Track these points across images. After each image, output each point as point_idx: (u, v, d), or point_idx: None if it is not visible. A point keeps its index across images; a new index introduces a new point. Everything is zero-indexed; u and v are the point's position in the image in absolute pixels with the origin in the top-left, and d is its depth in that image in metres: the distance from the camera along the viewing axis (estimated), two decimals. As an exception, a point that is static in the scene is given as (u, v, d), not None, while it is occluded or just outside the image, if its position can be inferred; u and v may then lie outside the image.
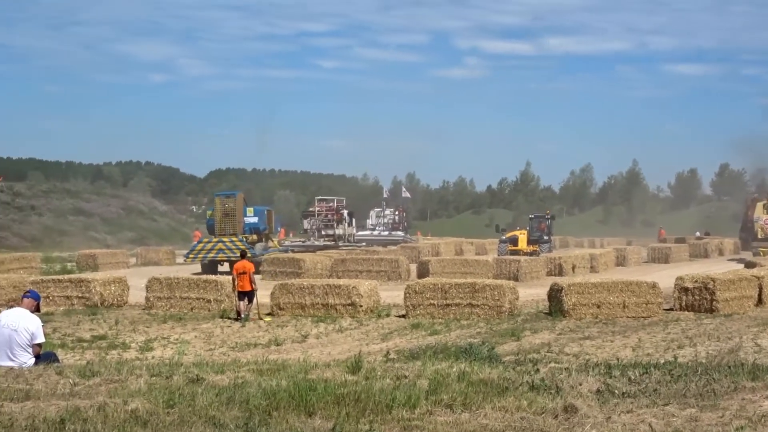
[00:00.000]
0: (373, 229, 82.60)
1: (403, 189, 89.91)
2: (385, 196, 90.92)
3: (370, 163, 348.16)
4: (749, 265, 42.55)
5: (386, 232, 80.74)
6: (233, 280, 29.50)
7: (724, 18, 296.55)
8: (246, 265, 29.61)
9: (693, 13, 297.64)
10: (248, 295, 29.13)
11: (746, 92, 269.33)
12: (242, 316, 28.53)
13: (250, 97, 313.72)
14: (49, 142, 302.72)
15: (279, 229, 72.34)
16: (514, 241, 60.71)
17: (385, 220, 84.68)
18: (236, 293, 29.32)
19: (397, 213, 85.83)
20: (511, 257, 50.12)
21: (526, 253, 56.44)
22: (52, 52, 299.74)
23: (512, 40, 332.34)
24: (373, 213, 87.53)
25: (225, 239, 50.62)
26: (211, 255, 50.80)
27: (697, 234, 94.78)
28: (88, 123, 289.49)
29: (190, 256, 51.84)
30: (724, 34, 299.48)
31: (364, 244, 71.03)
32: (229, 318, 28.90)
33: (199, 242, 52.52)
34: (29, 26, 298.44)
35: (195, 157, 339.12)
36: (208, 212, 56.93)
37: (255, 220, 54.17)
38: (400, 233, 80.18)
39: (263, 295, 31.23)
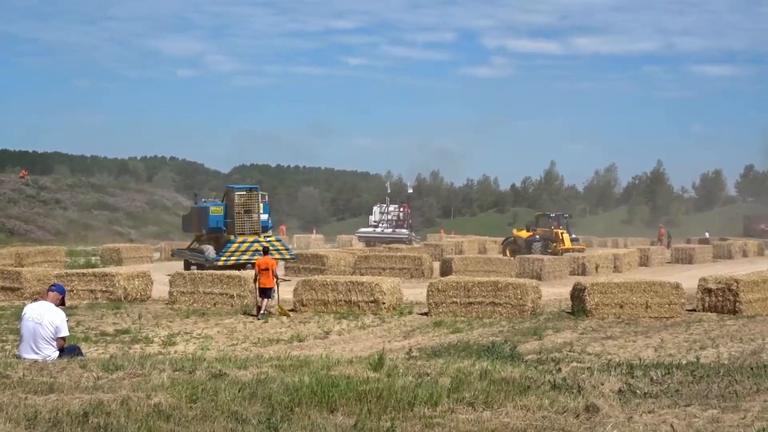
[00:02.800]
0: (376, 226, 79.83)
1: (408, 184, 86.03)
2: (388, 190, 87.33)
3: (394, 161, 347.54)
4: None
5: (390, 230, 78.17)
6: (255, 276, 29.45)
7: (754, 19, 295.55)
8: (269, 261, 29.60)
9: (722, 14, 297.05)
10: (269, 291, 29.09)
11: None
12: (262, 312, 28.50)
13: (277, 93, 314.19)
14: (74, 136, 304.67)
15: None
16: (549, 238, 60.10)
17: (389, 217, 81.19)
18: (257, 290, 29.27)
19: (401, 209, 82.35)
20: (535, 256, 49.90)
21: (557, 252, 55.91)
22: (82, 47, 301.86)
23: (540, 40, 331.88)
24: (376, 209, 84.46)
25: (261, 239, 45.38)
26: (246, 257, 44.57)
27: (706, 235, 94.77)
28: (115, 117, 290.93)
29: (222, 258, 44.39)
30: (753, 35, 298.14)
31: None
32: (251, 314, 28.92)
33: (231, 242, 45.06)
34: (61, 21, 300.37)
35: (219, 153, 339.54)
36: (214, 208, 47.60)
37: (266, 217, 47.76)
38: (404, 231, 77.75)
39: (286, 291, 31.31)
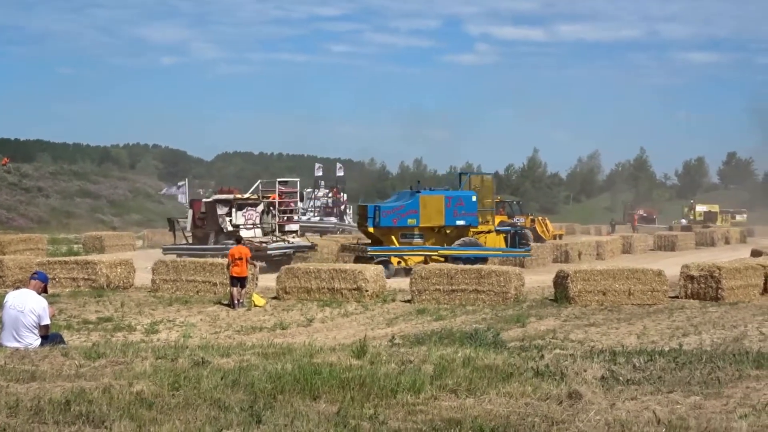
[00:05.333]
0: (303, 214, 68.59)
1: (338, 166, 76.74)
2: (317, 174, 76.97)
3: (377, 148, 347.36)
4: (755, 253, 42.48)
5: (317, 218, 70.38)
6: (228, 265, 29.29)
7: (739, 6, 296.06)
8: (242, 250, 29.48)
9: (707, 1, 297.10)
10: (242, 280, 28.97)
11: (759, 81, 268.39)
12: (237, 302, 28.32)
13: (261, 81, 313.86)
14: (56, 124, 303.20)
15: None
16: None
17: (318, 204, 72.68)
18: (230, 279, 29.11)
19: (330, 195, 73.40)
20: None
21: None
22: (67, 34, 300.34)
23: (524, 27, 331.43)
24: (304, 194, 72.82)
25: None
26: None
27: (683, 222, 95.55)
28: (97, 105, 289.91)
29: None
30: (737, 22, 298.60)
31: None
32: (224, 305, 28.82)
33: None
34: (46, 8, 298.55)
35: (202, 140, 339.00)
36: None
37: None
38: (332, 219, 71.08)
39: (270, 279, 31.32)
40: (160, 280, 31.79)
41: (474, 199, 41.41)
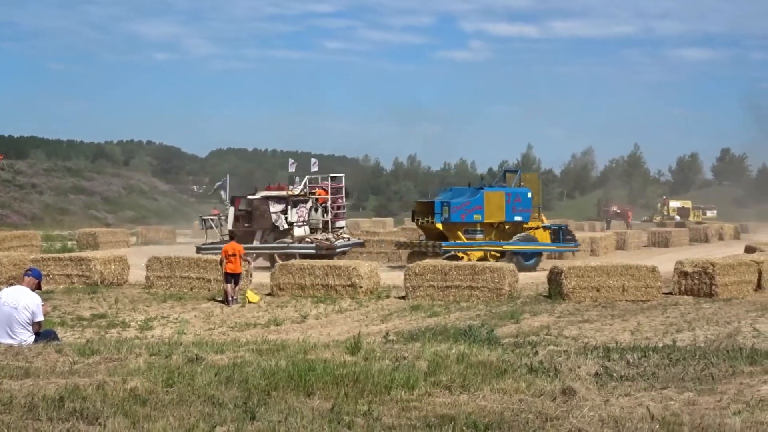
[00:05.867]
0: None
1: (312, 161, 72.09)
2: (291, 170, 75.49)
3: (372, 144, 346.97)
4: (749, 249, 42.55)
5: None
6: (221, 261, 29.25)
7: (733, 3, 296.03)
8: (236, 246, 29.45)
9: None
10: (236, 277, 28.95)
11: (754, 77, 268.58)
12: (231, 299, 28.30)
13: (255, 77, 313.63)
14: (50, 121, 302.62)
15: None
16: None
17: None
18: (224, 276, 29.10)
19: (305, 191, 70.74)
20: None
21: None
22: (60, 31, 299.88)
23: (518, 23, 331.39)
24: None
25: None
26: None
27: (676, 218, 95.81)
28: (91, 102, 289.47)
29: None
30: (732, 18, 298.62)
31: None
32: (218, 301, 28.81)
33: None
34: (40, 5, 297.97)
35: (196, 137, 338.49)
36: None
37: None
38: None
39: (264, 275, 31.33)
40: (154, 276, 31.78)
41: (529, 195, 42.36)
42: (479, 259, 38.93)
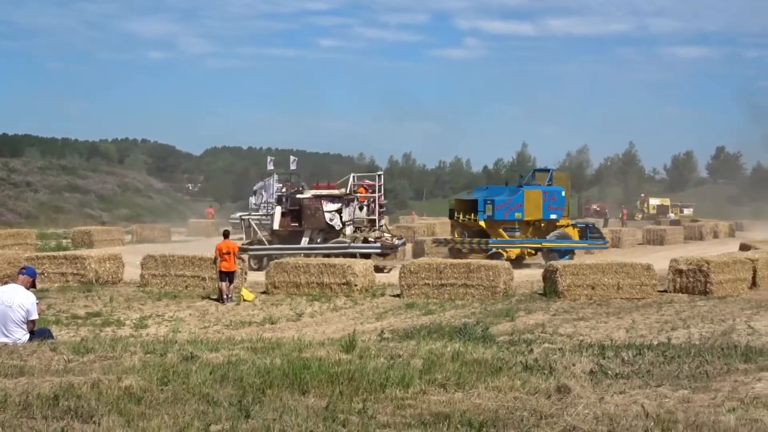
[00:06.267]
0: (256, 210, 61.37)
1: (291, 159, 67.73)
2: (269, 167, 71.88)
3: (367, 142, 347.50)
4: (743, 247, 42.61)
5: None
6: (215, 260, 29.23)
7: (728, 1, 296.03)
8: (230, 244, 29.44)
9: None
10: (231, 275, 28.94)
11: (750, 75, 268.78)
12: (225, 297, 28.29)
13: (250, 75, 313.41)
14: (45, 119, 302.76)
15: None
16: None
17: (272, 200, 59.79)
18: (218, 274, 29.08)
19: (284, 190, 62.82)
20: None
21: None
22: (56, 30, 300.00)
23: (513, 21, 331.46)
24: (256, 189, 66.73)
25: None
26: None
27: (671, 216, 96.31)
28: (86, 100, 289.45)
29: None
30: (726, 17, 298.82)
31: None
32: (213, 299, 28.79)
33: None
34: (36, 3, 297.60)
35: (191, 135, 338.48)
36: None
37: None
38: None
39: (258, 273, 31.33)
40: (149, 274, 31.77)
41: (563, 194, 43.60)
42: (517, 257, 40.77)
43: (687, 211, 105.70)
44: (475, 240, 41.44)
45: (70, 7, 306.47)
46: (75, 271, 32.26)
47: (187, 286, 30.93)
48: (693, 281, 28.86)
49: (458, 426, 8.21)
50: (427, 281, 28.89)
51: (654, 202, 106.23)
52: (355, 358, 11.49)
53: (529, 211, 42.13)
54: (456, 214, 43.63)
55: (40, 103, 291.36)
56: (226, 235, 31.15)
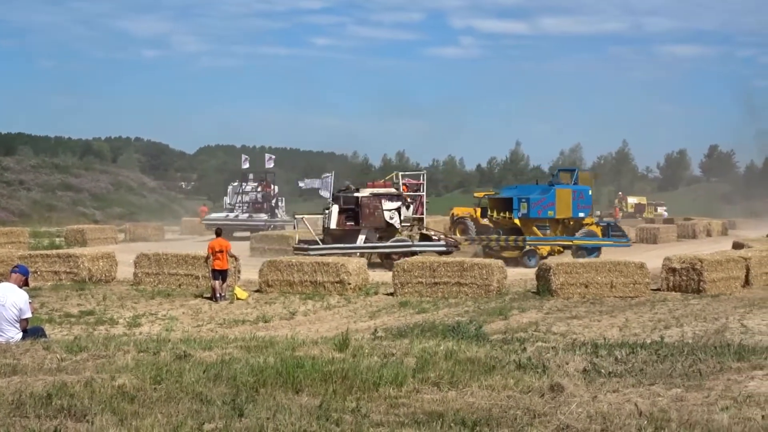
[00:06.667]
0: (231, 210, 64.29)
1: (267, 157, 68.54)
2: (244, 166, 68.65)
3: (360, 141, 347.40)
4: (737, 246, 42.67)
5: (246, 215, 62.94)
6: (207, 258, 29.20)
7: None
8: (222, 242, 29.42)
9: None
10: (223, 274, 28.89)
11: (742, 74, 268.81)
12: (218, 296, 28.25)
13: (244, 74, 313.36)
14: (38, 117, 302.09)
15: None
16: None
17: (246, 199, 65.04)
18: (211, 272, 29.04)
19: (260, 189, 65.43)
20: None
21: None
22: (49, 27, 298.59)
23: (508, 20, 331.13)
24: (230, 189, 67.39)
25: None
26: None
27: (664, 214, 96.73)
28: (79, 98, 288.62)
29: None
30: (721, 15, 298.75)
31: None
32: (206, 298, 28.76)
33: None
34: (29, 1, 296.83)
35: (185, 134, 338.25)
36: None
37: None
38: (263, 216, 62.54)
39: (252, 272, 31.31)
40: (142, 273, 31.72)
41: (590, 193, 44.77)
42: (547, 254, 41.80)
43: (660, 210, 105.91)
44: (512, 237, 42.16)
45: (64, 5, 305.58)
46: (68, 270, 32.20)
47: (180, 285, 30.90)
48: (686, 280, 28.90)
49: (451, 425, 8.22)
50: (420, 279, 28.88)
51: (632, 200, 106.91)
52: (349, 356, 11.50)
53: (561, 210, 43.11)
54: (489, 212, 44.58)
55: (33, 102, 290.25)
56: (218, 233, 31.09)
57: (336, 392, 9.42)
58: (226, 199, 65.92)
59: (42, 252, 36.65)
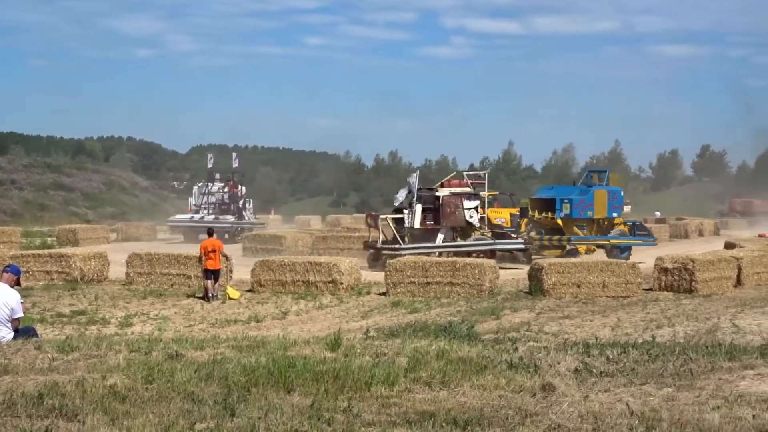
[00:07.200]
0: (196, 211, 61.18)
1: (234, 156, 65.66)
2: (210, 165, 65.91)
3: (353, 140, 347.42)
4: (728, 246, 42.76)
5: (212, 216, 59.06)
6: (200, 258, 29.19)
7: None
8: (215, 242, 29.41)
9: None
10: (215, 273, 28.88)
11: (734, 74, 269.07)
12: (210, 296, 28.22)
13: (237, 73, 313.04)
14: (30, 117, 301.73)
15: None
16: None
17: (213, 200, 61.80)
18: (203, 272, 29.02)
19: (226, 189, 62.52)
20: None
21: None
22: (41, 26, 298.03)
23: (500, 20, 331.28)
24: (196, 189, 64.46)
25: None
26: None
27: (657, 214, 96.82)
28: (71, 98, 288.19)
29: None
30: (713, 15, 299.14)
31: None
32: (198, 298, 28.74)
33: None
34: (20, 0, 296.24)
35: (177, 133, 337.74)
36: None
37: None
38: (229, 217, 59.52)
39: (244, 272, 31.31)
40: (135, 273, 31.68)
41: (622, 193, 46.69)
42: (586, 252, 43.40)
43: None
44: (555, 237, 43.17)
45: (56, 4, 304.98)
46: (60, 269, 32.15)
47: (172, 285, 30.86)
48: (678, 279, 28.94)
49: (443, 424, 8.22)
50: (412, 279, 28.87)
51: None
52: (341, 356, 11.50)
53: (598, 210, 44.65)
54: (530, 212, 45.08)
55: (25, 101, 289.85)
56: (210, 233, 31.07)
57: (328, 392, 9.43)
58: (191, 200, 63.92)
59: (34, 252, 36.62)
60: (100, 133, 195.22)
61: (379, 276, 30.98)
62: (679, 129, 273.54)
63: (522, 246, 40.69)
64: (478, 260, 30.54)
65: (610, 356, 11.98)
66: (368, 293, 29.46)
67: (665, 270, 29.27)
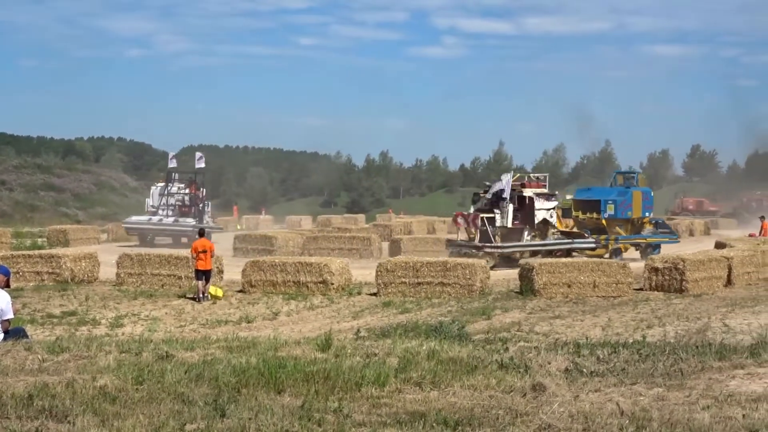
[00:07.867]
0: (155, 213, 57.92)
1: (198, 156, 62.84)
2: (171, 165, 63.65)
3: (344, 141, 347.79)
4: (719, 245, 42.82)
5: (171, 218, 56.29)
6: (192, 259, 29.16)
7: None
8: (206, 243, 29.39)
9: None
10: (207, 274, 28.84)
11: (725, 73, 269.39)
12: (201, 296, 28.19)
13: (227, 73, 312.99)
14: (20, 117, 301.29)
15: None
16: None
17: (172, 201, 58.65)
18: (194, 273, 28.98)
19: (187, 191, 59.47)
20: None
21: None
22: (30, 26, 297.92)
23: (491, 20, 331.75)
24: (154, 190, 62.19)
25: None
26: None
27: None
28: (62, 98, 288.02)
29: None
30: (704, 15, 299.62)
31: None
32: (189, 298, 28.70)
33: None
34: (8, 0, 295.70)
35: (167, 134, 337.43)
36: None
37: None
38: (190, 220, 55.54)
39: (235, 272, 31.28)
40: (125, 273, 31.62)
41: (652, 194, 48.12)
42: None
43: None
44: (602, 236, 43.35)
45: (46, 4, 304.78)
46: (50, 270, 32.08)
47: (163, 285, 30.82)
48: (669, 279, 28.97)
49: (434, 424, 8.23)
50: (403, 279, 28.86)
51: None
52: (331, 356, 11.50)
53: (635, 210, 45.33)
54: (574, 212, 45.84)
55: (15, 101, 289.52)
56: (201, 233, 31.05)
57: (318, 392, 9.43)
58: (149, 201, 61.04)
59: (24, 252, 36.54)
60: (91, 133, 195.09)
61: (370, 276, 30.95)
62: (670, 129, 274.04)
63: (593, 245, 41.43)
64: (470, 260, 30.51)
65: (601, 356, 11.99)
66: (359, 293, 29.45)
67: (656, 270, 29.29)
